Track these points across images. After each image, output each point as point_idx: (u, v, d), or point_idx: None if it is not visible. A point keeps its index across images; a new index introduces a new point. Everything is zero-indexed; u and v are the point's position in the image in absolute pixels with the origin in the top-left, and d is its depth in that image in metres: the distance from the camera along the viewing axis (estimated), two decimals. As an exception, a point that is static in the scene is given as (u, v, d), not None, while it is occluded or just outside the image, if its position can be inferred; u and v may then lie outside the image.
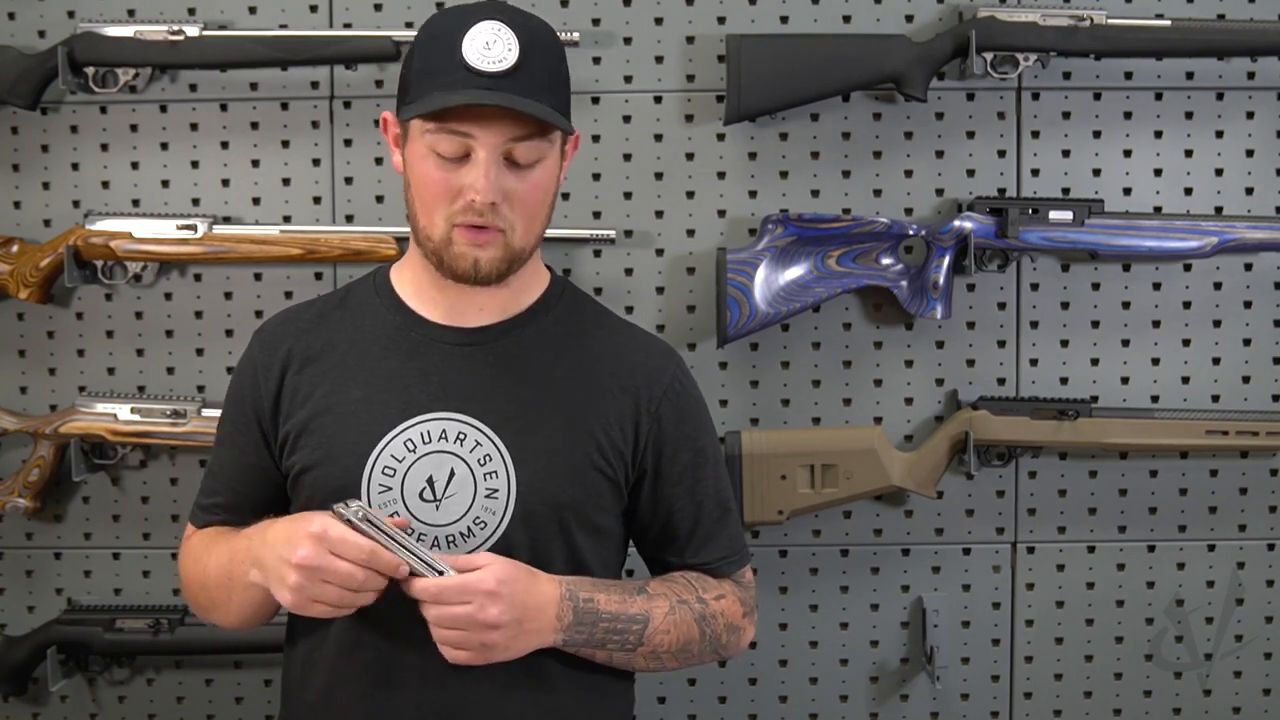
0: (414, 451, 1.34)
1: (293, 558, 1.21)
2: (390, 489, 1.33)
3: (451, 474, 1.33)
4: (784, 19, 1.97)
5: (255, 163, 1.99)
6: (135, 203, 1.98)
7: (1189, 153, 1.99)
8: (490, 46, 1.27)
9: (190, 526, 1.47)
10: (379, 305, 1.42)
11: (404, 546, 1.23)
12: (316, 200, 1.99)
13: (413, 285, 1.41)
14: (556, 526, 1.35)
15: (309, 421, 1.37)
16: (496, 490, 1.33)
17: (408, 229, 1.88)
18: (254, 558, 1.29)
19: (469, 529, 1.33)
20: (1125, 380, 2.01)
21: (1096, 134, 1.98)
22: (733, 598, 1.44)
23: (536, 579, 1.29)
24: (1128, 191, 1.99)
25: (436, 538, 1.33)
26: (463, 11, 1.31)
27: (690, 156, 1.99)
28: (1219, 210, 2.00)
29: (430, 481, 1.33)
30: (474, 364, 1.37)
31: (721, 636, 1.42)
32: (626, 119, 1.97)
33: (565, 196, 1.94)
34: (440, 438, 1.34)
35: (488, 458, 1.34)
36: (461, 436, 1.34)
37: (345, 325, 1.41)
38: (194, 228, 1.92)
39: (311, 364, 1.39)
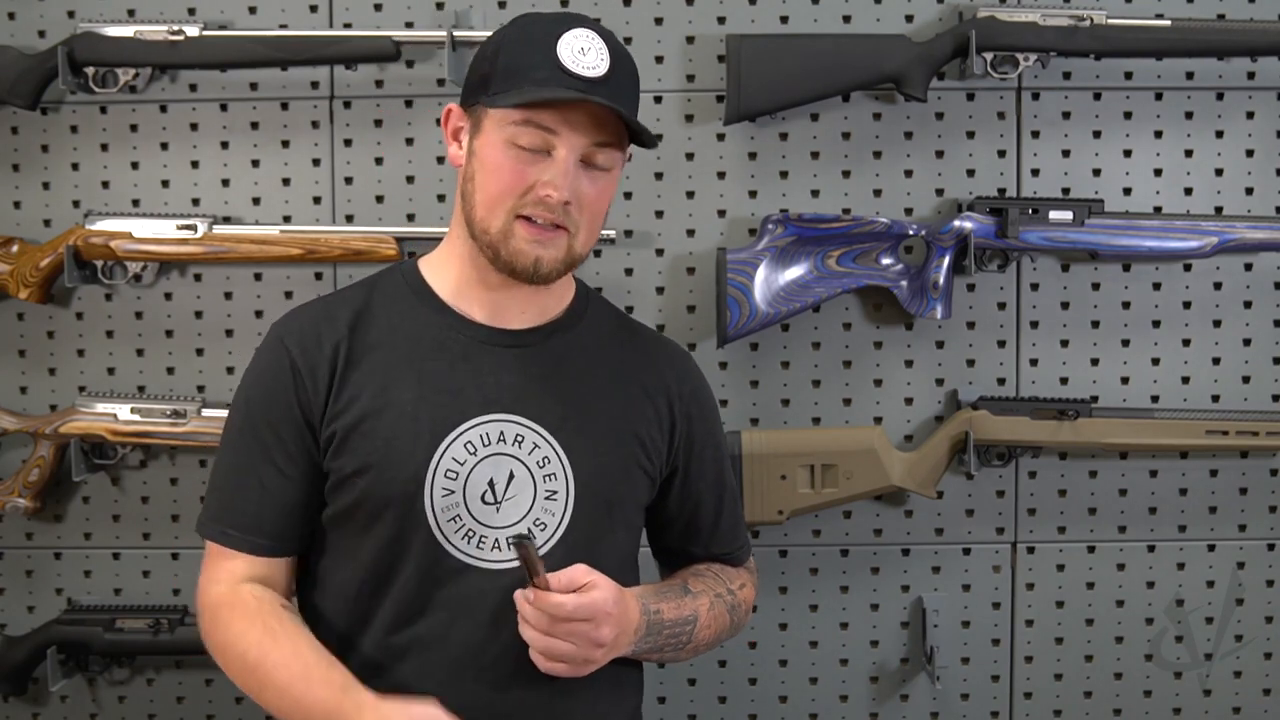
0: (475, 454, 1.34)
1: None
2: (453, 492, 1.32)
3: (511, 476, 1.34)
4: (784, 19, 1.97)
5: (255, 163, 1.99)
6: (135, 203, 1.98)
7: (1189, 153, 1.99)
8: (585, 53, 1.30)
9: (216, 550, 1.37)
10: (417, 304, 1.40)
11: (541, 567, 1.26)
12: (316, 200, 1.99)
13: (454, 284, 1.40)
14: (608, 524, 1.39)
15: (359, 422, 1.33)
16: (556, 492, 1.35)
17: (407, 229, 1.92)
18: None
19: (529, 530, 1.34)
20: (1125, 380, 2.01)
21: (1096, 134, 1.98)
22: (750, 584, 1.56)
23: (626, 596, 1.33)
24: (1128, 191, 1.99)
25: (497, 540, 1.33)
26: (555, 18, 1.35)
27: (690, 156, 1.99)
28: (1219, 210, 1.99)
29: (491, 484, 1.33)
30: (524, 366, 1.38)
31: (744, 620, 1.53)
32: (626, 119, 1.98)
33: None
34: (499, 440, 1.34)
35: (546, 460, 1.35)
36: (519, 439, 1.35)
37: (381, 323, 1.38)
38: (194, 228, 1.92)
39: (356, 364, 1.36)
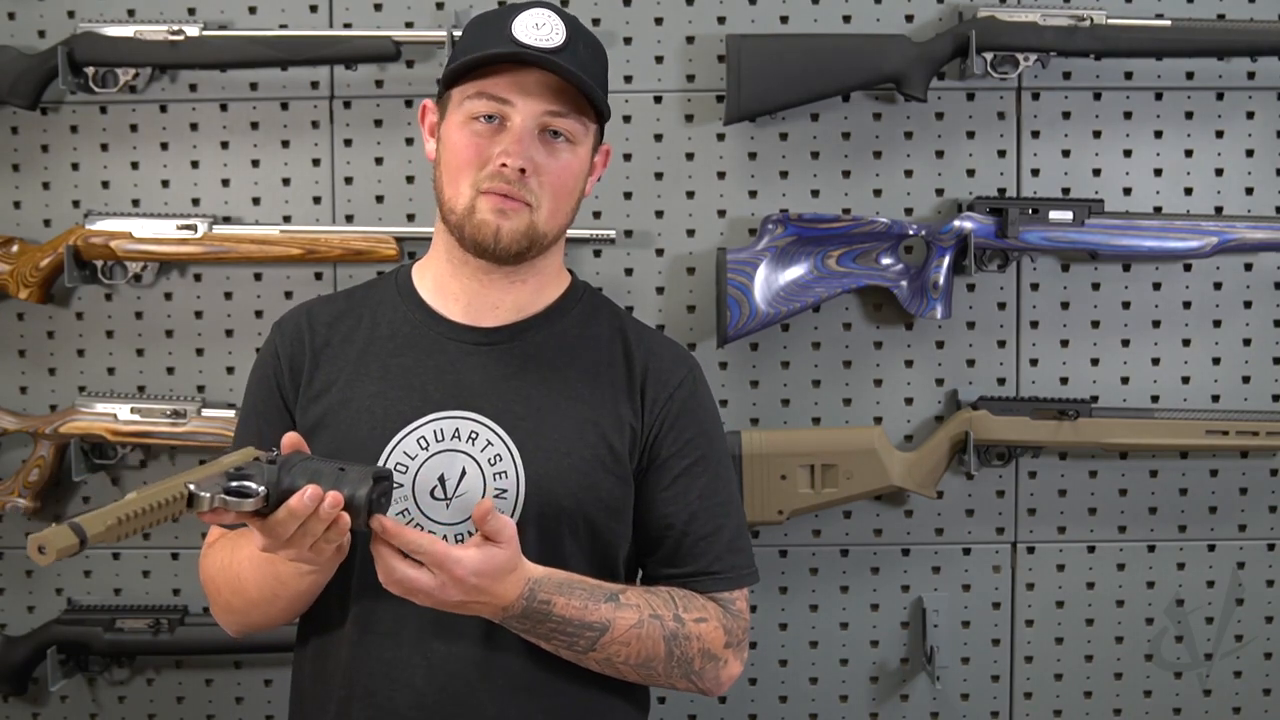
0: (426, 449, 1.34)
1: None
2: (401, 485, 1.33)
3: (463, 473, 1.34)
4: (784, 19, 1.97)
5: (255, 163, 1.99)
6: (135, 203, 1.98)
7: (1189, 153, 1.99)
8: (540, 27, 1.32)
9: (213, 530, 1.44)
10: (399, 302, 1.43)
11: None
12: (316, 200, 1.99)
13: (433, 282, 1.43)
14: (565, 527, 1.35)
15: (324, 415, 1.37)
16: (506, 490, 1.34)
17: (407, 229, 1.92)
18: None
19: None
20: (1125, 380, 2.01)
21: (1096, 134, 1.98)
22: (715, 623, 1.37)
23: (510, 578, 1.24)
24: (1128, 191, 1.99)
25: (445, 536, 1.32)
26: (514, 3, 1.37)
27: (690, 156, 1.99)
28: (1219, 210, 1.99)
29: (441, 480, 1.34)
30: (489, 363, 1.38)
31: (695, 662, 1.36)
32: (626, 119, 1.97)
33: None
34: (453, 436, 1.35)
35: (498, 457, 1.34)
36: (473, 435, 1.35)
37: (364, 321, 1.42)
38: (194, 228, 1.92)
39: (331, 358, 1.40)
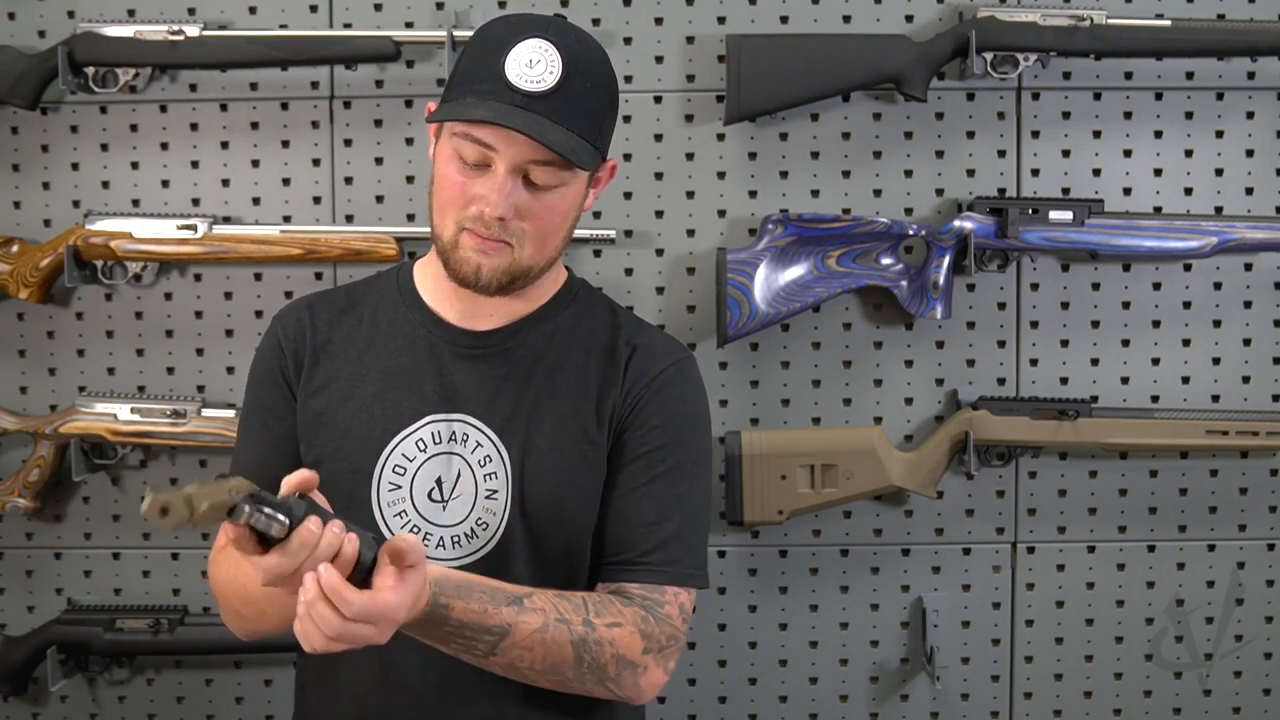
0: (424, 451, 1.35)
1: None
2: (400, 487, 1.34)
3: (459, 475, 1.35)
4: (784, 19, 1.97)
5: (255, 163, 1.99)
6: (135, 203, 1.98)
7: (1189, 153, 1.99)
8: (533, 65, 1.28)
9: (222, 535, 1.41)
10: (400, 302, 1.43)
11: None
12: (316, 200, 1.99)
13: (433, 284, 1.42)
14: (555, 525, 1.36)
15: (323, 413, 1.38)
16: (496, 491, 1.34)
17: (407, 229, 1.93)
18: None
19: (472, 530, 1.34)
20: (1125, 380, 2.01)
21: (1096, 134, 1.98)
22: (631, 628, 1.30)
23: (423, 595, 1.16)
24: (1128, 191, 1.99)
25: (442, 538, 1.34)
26: (518, 23, 1.32)
27: (690, 156, 1.99)
28: (1219, 210, 1.99)
29: (439, 482, 1.35)
30: (481, 366, 1.39)
31: (608, 668, 1.29)
32: (626, 119, 1.97)
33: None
34: (450, 439, 1.35)
35: (488, 459, 1.35)
36: (465, 437, 1.36)
37: (365, 319, 1.43)
38: (194, 228, 1.92)
39: (332, 355, 1.41)
